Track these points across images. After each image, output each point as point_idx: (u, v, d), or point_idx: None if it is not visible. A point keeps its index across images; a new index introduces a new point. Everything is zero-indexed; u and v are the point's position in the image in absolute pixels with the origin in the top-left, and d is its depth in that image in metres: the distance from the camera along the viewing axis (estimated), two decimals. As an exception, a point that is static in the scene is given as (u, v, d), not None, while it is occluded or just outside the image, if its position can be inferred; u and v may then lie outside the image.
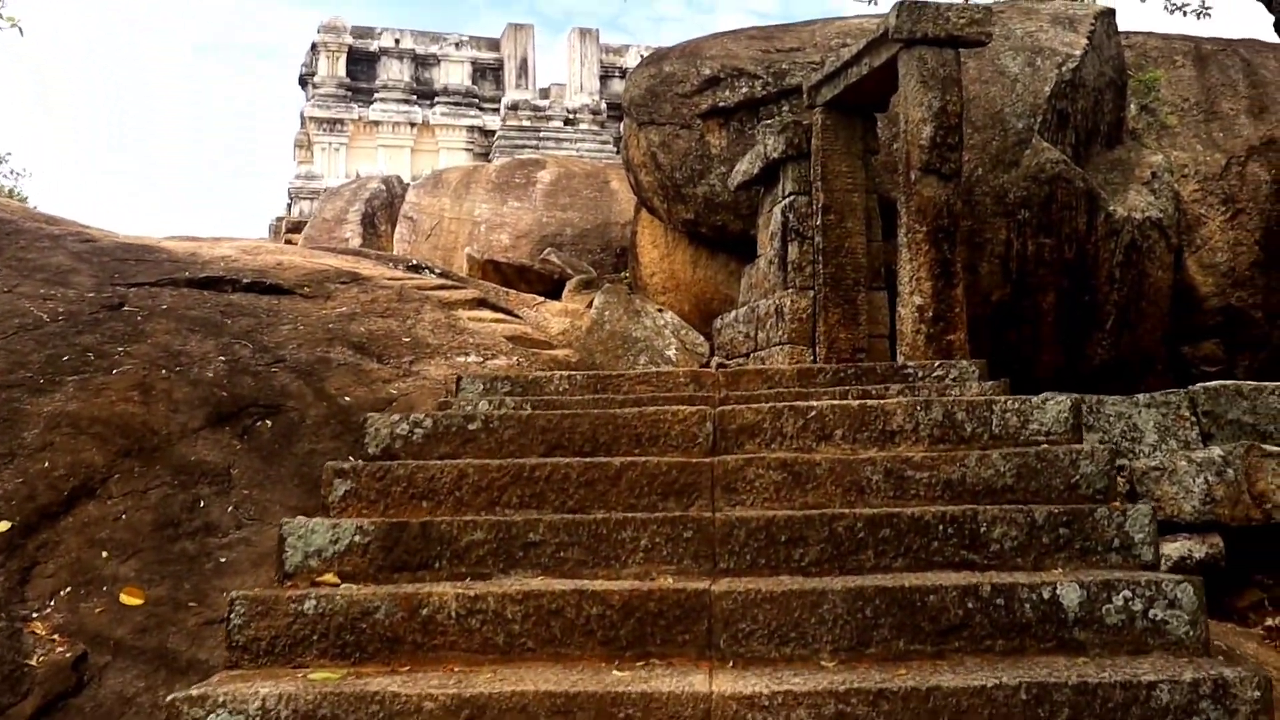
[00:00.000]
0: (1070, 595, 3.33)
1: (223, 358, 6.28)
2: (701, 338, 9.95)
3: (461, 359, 7.12)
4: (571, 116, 28.13)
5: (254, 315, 7.04)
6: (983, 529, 3.69)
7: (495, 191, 15.50)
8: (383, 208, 17.72)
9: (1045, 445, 4.17)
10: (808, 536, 3.71)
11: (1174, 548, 5.33)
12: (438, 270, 10.05)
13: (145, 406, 5.67)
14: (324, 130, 26.86)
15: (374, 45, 28.20)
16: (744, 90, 9.71)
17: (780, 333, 8.15)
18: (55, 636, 4.38)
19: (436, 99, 28.14)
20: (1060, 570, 3.61)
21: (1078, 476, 3.97)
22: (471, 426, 4.51)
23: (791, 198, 8.36)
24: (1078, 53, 9.28)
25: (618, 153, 18.88)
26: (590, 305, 10.20)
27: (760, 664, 3.29)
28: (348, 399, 6.20)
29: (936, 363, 5.60)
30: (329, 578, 3.71)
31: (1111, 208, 9.01)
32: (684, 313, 10.47)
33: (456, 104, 28.22)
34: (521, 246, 14.30)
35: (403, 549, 3.77)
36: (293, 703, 3.05)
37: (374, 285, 8.12)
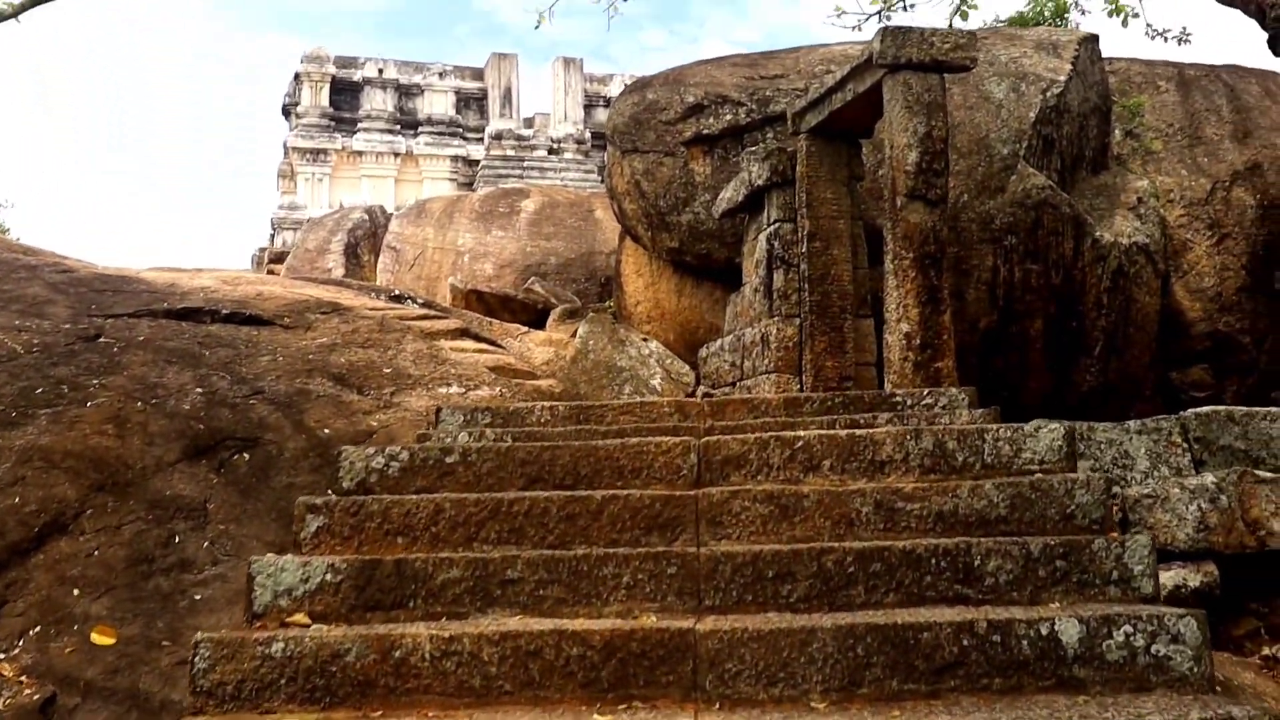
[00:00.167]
0: (1069, 631, 3.23)
1: (200, 389, 6.16)
2: (687, 367, 9.86)
3: (444, 390, 7.01)
4: (556, 146, 28.16)
5: (233, 346, 6.93)
6: (977, 562, 3.59)
7: (479, 221, 15.43)
8: (366, 238, 17.63)
9: (1039, 474, 4.09)
10: (796, 572, 3.60)
11: (1169, 576, 5.25)
12: (420, 300, 9.94)
13: (120, 440, 5.54)
14: (307, 160, 26.84)
15: (357, 75, 28.24)
16: (728, 117, 9.66)
17: (766, 361, 8.06)
18: (23, 678, 4.26)
19: (420, 129, 28.16)
20: (1058, 604, 3.51)
21: (1073, 506, 3.88)
22: (449, 459, 4.39)
23: (776, 225, 8.29)
24: (1062, 78, 9.28)
25: (602, 182, 18.87)
26: (574, 335, 10.11)
27: (747, 706, 3.18)
28: (327, 431, 6.08)
29: (925, 391, 5.51)
30: (299, 618, 3.58)
31: (1098, 233, 8.98)
32: (669, 342, 10.38)
33: (440, 134, 28.25)
34: (505, 276, 14.22)
35: (376, 588, 3.65)
36: (259, 752, 2.93)
37: (355, 315, 8.01)
